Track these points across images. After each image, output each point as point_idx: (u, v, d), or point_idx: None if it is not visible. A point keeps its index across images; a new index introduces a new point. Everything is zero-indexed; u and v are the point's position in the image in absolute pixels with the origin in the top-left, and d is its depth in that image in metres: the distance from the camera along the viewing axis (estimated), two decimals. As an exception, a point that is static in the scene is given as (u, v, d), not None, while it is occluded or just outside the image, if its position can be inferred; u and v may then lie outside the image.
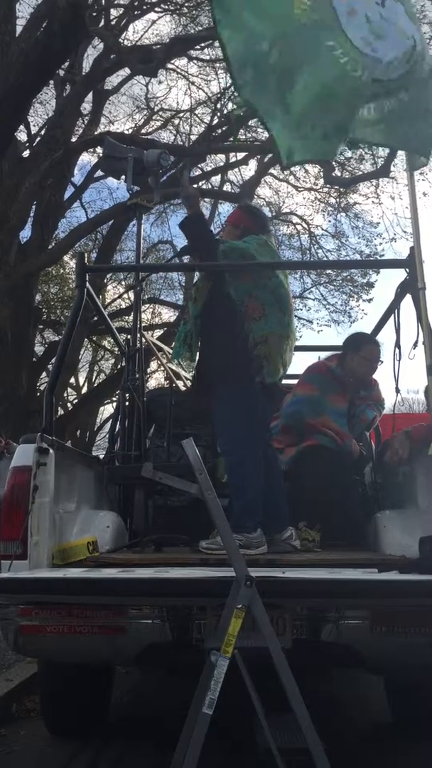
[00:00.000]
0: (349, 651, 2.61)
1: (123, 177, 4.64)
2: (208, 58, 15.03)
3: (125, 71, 14.20)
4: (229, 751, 2.94)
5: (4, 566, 2.78)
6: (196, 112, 16.35)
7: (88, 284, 3.63)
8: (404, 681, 3.25)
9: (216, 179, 17.00)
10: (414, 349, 3.44)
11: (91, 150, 14.33)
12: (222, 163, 16.41)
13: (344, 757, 2.79)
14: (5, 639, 2.79)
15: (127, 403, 4.29)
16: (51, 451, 3.00)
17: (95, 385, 23.54)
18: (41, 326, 16.97)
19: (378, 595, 2.44)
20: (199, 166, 15.12)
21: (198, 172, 15.26)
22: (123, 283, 17.87)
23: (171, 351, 5.45)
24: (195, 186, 15.24)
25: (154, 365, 10.97)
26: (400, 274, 3.60)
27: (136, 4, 14.10)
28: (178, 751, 2.28)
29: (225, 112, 14.14)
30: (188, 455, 2.29)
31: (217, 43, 13.92)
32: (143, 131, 16.07)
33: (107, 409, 22.21)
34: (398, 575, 2.50)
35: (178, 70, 15.39)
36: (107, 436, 6.16)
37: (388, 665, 2.84)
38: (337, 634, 2.58)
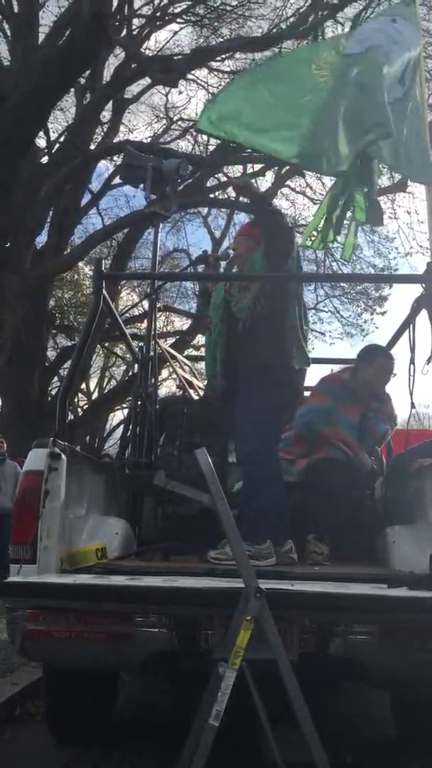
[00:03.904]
0: (356, 666, 2.60)
1: (141, 185, 4.66)
2: (228, 69, 15.11)
3: (146, 80, 14.30)
4: (231, 763, 2.92)
5: (13, 570, 2.79)
6: (215, 122, 16.42)
7: (104, 290, 3.64)
8: (410, 695, 3.23)
9: (232, 190, 17.03)
10: (428, 364, 3.43)
11: (109, 158, 14.43)
12: (239, 174, 16.45)
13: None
14: (12, 642, 2.79)
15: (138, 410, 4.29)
16: (63, 456, 3.01)
17: (106, 391, 23.61)
18: (54, 331, 17.05)
19: (387, 610, 2.43)
20: (217, 176, 15.19)
21: (215, 182, 15.33)
22: (137, 290, 17.95)
23: (184, 360, 5.45)
24: (211, 196, 15.33)
25: (165, 373, 10.98)
26: (414, 289, 3.60)
27: (158, 14, 14.21)
28: (182, 761, 2.27)
29: None
30: (201, 464, 2.29)
31: (237, 55, 14.11)
32: (161, 140, 16.15)
33: (117, 416, 22.30)
34: (408, 591, 2.49)
35: (198, 81, 15.48)
36: (117, 442, 6.16)
37: (395, 681, 2.82)
38: (345, 648, 2.56)
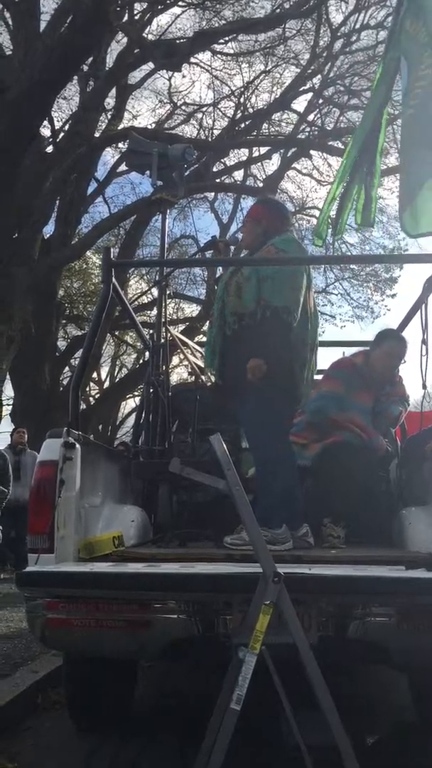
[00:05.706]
0: (376, 648, 2.60)
1: (147, 172, 4.65)
2: (231, 52, 15.01)
3: (148, 66, 14.22)
4: (253, 747, 2.94)
5: (31, 559, 2.80)
6: (219, 106, 16.36)
7: (114, 279, 3.63)
8: (430, 678, 3.23)
9: (239, 174, 16.98)
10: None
11: (114, 145, 14.37)
12: (245, 158, 16.37)
13: (370, 754, 2.78)
14: (32, 631, 2.81)
15: (151, 398, 4.29)
16: (77, 445, 3.01)
17: (117, 379, 23.67)
18: (64, 321, 17.08)
19: (406, 592, 2.42)
20: (222, 160, 15.12)
21: (221, 167, 15.25)
22: (145, 277, 17.95)
23: (195, 346, 5.45)
24: (218, 180, 15.25)
25: (176, 360, 11.01)
26: (424, 270, 3.57)
27: (159, -2, 14.08)
28: (204, 746, 2.28)
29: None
30: (216, 450, 2.29)
31: (240, 37, 13.97)
32: (166, 126, 16.07)
33: (129, 404, 22.37)
34: (426, 572, 2.48)
35: (202, 65, 15.38)
36: (130, 430, 6.18)
37: (414, 663, 2.82)
38: (364, 631, 2.55)
